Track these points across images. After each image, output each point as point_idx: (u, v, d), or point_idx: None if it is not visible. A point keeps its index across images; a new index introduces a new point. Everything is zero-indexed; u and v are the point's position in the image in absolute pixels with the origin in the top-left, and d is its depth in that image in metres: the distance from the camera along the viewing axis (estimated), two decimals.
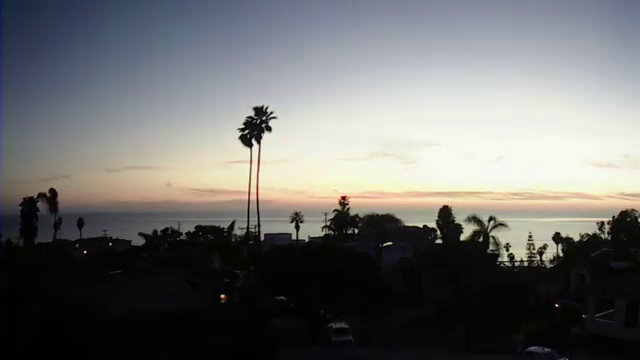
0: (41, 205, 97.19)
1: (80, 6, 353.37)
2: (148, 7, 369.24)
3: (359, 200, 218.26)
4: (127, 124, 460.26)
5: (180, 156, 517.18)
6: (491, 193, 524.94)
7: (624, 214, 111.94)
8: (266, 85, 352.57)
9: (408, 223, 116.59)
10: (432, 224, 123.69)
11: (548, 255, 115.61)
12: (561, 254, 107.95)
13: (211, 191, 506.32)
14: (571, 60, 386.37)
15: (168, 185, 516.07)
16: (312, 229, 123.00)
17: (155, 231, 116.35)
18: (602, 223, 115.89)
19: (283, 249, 77.44)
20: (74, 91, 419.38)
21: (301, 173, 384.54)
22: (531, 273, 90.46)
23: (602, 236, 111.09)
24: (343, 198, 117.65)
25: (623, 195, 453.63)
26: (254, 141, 76.69)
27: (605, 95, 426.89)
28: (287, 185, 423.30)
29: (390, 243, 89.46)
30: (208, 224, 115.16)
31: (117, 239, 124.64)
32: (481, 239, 76.31)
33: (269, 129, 76.72)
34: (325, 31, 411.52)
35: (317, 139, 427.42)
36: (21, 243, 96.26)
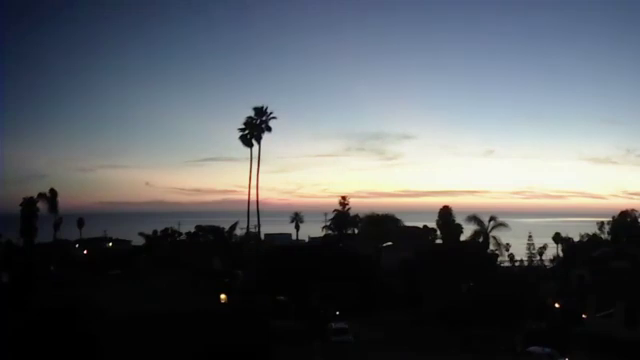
0: (41, 205, 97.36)
1: (55, 3, 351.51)
2: (124, 5, 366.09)
3: (352, 200, 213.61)
4: (96, 122, 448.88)
5: (149, 154, 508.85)
6: (490, 192, 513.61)
7: (624, 214, 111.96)
8: (238, 82, 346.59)
9: (406, 223, 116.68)
10: (430, 223, 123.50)
11: (548, 255, 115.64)
12: (561, 254, 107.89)
13: (197, 190, 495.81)
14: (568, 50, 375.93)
15: (147, 184, 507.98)
16: (311, 229, 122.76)
17: (155, 231, 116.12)
18: (602, 223, 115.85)
19: (283, 249, 77.67)
20: (46, 90, 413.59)
21: (281, 171, 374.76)
22: (531, 273, 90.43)
23: (602, 236, 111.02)
24: (343, 198, 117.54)
25: (627, 194, 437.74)
26: (254, 141, 76.84)
27: (603, 88, 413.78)
28: (272, 184, 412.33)
29: (390, 243, 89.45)
30: (202, 224, 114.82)
31: (117, 239, 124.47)
32: (481, 239, 76.59)
33: (269, 129, 76.76)
34: (295, 27, 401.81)
35: (286, 135, 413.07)
36: (21, 243, 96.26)
